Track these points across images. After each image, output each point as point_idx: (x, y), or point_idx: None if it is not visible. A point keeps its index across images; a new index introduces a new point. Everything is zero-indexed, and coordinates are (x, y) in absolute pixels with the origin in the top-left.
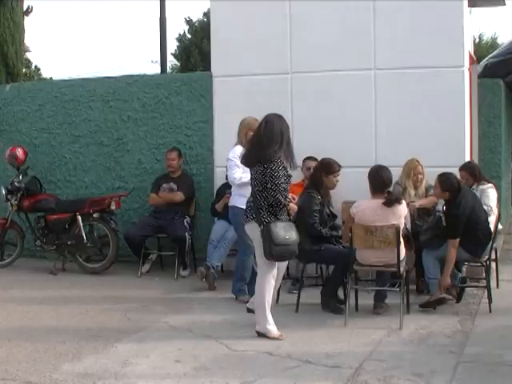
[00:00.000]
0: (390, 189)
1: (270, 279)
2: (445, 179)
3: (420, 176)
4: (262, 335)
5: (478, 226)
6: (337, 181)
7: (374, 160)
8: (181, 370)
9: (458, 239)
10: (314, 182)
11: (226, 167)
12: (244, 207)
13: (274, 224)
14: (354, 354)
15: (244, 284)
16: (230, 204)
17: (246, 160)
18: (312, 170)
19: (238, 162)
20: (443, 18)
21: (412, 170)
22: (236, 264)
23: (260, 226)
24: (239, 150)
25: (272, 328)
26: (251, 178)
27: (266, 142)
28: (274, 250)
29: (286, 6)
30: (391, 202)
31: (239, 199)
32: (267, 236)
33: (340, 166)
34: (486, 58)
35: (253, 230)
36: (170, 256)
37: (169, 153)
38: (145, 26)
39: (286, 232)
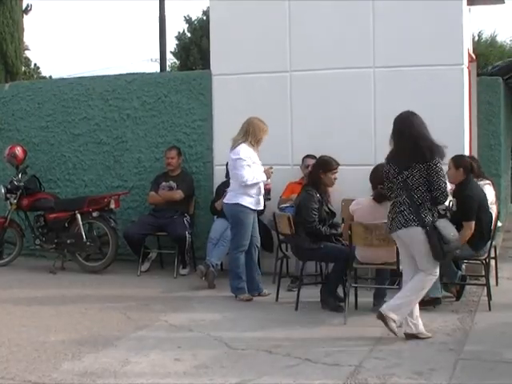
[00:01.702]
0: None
1: (432, 280)
2: (457, 157)
3: None
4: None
5: (482, 222)
6: (335, 178)
7: (373, 158)
8: (181, 368)
9: (474, 222)
10: (313, 180)
11: (229, 165)
12: (251, 206)
13: (438, 222)
14: (353, 352)
15: (241, 282)
16: (231, 201)
17: (402, 163)
18: (310, 168)
19: (249, 161)
20: (442, 16)
21: None
22: (229, 262)
23: (424, 228)
24: (248, 149)
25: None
26: (404, 180)
27: (422, 141)
28: (446, 248)
29: (286, 5)
30: (380, 197)
31: (244, 197)
32: (437, 236)
33: (338, 164)
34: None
35: (414, 235)
36: (170, 254)
37: (168, 151)
38: (144, 24)
39: (449, 229)
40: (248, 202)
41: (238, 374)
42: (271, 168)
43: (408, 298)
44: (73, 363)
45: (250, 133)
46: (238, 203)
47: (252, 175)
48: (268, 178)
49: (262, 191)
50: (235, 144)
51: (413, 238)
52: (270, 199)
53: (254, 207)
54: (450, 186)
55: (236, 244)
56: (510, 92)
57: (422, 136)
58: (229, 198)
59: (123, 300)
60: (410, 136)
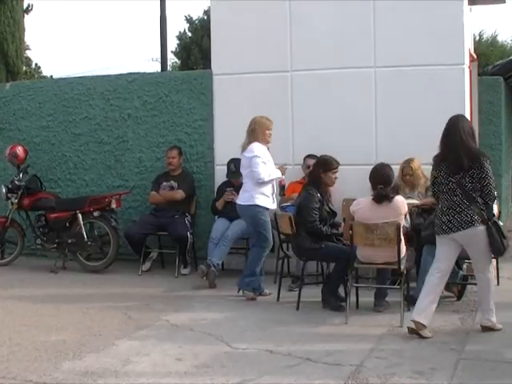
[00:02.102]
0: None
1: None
2: None
3: (408, 177)
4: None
5: None
6: (335, 177)
7: (374, 158)
8: (181, 368)
9: None
10: (313, 180)
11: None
12: (267, 206)
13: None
14: (354, 352)
15: (253, 280)
16: (247, 203)
17: (454, 166)
18: (310, 167)
19: (264, 159)
20: (443, 15)
21: (401, 170)
22: (251, 258)
23: (486, 225)
24: (262, 147)
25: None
26: (458, 181)
27: (472, 145)
28: (506, 243)
29: (286, 4)
30: (380, 197)
31: (260, 197)
32: (500, 231)
33: (338, 163)
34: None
35: (478, 234)
36: (171, 254)
37: (169, 151)
38: (145, 24)
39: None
40: (264, 201)
41: (238, 374)
42: (285, 165)
43: (491, 303)
44: (74, 363)
45: (257, 131)
46: (255, 204)
47: (268, 172)
48: (282, 174)
49: (276, 189)
50: (247, 145)
51: (477, 236)
52: (284, 195)
53: (270, 207)
54: None
55: (263, 243)
56: (511, 91)
57: (471, 140)
58: (244, 199)
59: (124, 299)
60: (460, 140)
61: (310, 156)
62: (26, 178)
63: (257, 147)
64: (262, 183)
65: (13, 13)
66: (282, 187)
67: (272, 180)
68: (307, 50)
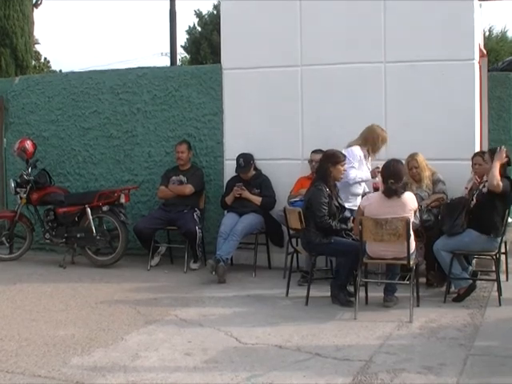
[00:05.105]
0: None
1: None
2: (495, 151)
3: (415, 170)
4: None
5: (500, 210)
6: (344, 170)
7: (384, 153)
8: (190, 363)
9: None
10: (321, 174)
11: (242, 160)
12: (352, 208)
13: None
14: (363, 347)
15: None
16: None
17: None
18: (317, 162)
19: (355, 164)
20: (453, 11)
21: (406, 164)
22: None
23: None
24: (359, 151)
25: None
26: None
27: None
28: None
29: None
30: (390, 192)
31: (352, 200)
32: None
33: (345, 156)
34: None
35: None
36: (180, 249)
37: (178, 145)
38: (155, 18)
39: None
40: (352, 204)
41: (247, 369)
42: (378, 168)
43: None
44: (82, 358)
45: (369, 141)
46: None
47: (355, 174)
48: (374, 177)
49: (366, 189)
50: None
51: None
52: None
53: None
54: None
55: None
56: None
57: None
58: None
59: (133, 294)
60: None
61: (315, 151)
62: (35, 173)
63: (353, 152)
64: (352, 184)
65: (22, 7)
66: (375, 190)
67: (361, 181)
68: (317, 45)
